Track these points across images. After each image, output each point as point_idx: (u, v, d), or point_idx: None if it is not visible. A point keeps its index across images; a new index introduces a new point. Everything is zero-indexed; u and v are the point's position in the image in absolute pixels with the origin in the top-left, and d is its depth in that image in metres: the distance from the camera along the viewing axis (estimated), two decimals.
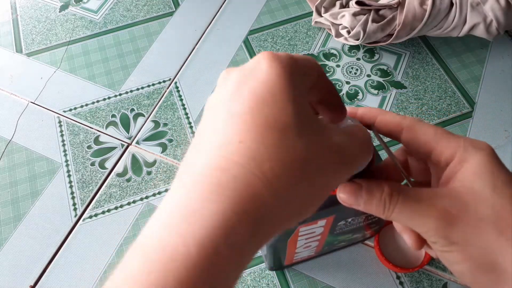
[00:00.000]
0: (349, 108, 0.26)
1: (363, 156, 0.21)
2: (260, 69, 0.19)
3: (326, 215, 0.35)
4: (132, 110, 0.65)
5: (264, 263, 0.52)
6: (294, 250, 0.43)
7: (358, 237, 0.49)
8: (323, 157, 0.18)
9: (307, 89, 0.20)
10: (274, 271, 0.52)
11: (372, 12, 0.63)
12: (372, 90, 0.64)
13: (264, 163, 0.17)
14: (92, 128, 0.63)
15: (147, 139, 0.62)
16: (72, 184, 0.59)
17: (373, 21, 0.63)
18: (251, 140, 0.17)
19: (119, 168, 0.60)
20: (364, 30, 0.63)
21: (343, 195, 0.24)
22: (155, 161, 0.60)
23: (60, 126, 0.64)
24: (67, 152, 0.61)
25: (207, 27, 0.72)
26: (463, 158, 0.23)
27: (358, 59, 0.67)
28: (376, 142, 0.61)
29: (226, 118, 0.18)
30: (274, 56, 0.19)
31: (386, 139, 0.27)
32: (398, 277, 0.50)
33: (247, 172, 0.17)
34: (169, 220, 0.16)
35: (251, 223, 0.16)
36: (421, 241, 0.24)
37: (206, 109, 0.20)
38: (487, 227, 0.21)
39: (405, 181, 0.27)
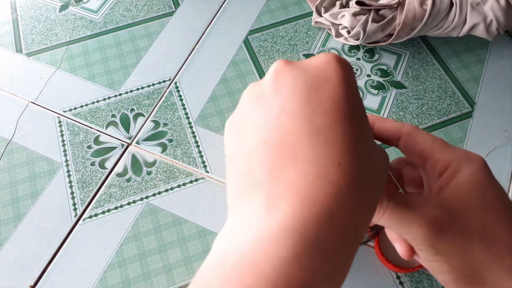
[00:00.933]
0: None
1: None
2: (332, 76, 0.18)
3: None
4: (132, 110, 0.65)
5: None
6: None
7: None
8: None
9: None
10: None
11: (372, 12, 0.63)
12: (372, 90, 0.64)
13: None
14: (92, 128, 0.63)
15: (147, 139, 0.62)
16: (72, 184, 0.59)
17: (373, 21, 0.63)
18: (351, 166, 0.17)
19: (119, 168, 0.60)
20: (364, 30, 0.63)
21: None
22: (155, 161, 0.60)
23: (60, 126, 0.64)
24: (67, 152, 0.61)
25: (207, 27, 0.72)
26: (457, 169, 0.23)
27: (358, 59, 0.67)
28: None
29: (311, 135, 0.17)
30: (341, 60, 0.19)
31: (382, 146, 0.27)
32: (398, 277, 0.50)
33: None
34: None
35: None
36: (411, 251, 0.24)
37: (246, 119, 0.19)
38: (474, 240, 0.21)
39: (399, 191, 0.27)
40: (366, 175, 0.18)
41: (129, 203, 0.57)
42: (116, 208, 0.57)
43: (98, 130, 0.63)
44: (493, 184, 0.23)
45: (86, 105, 0.66)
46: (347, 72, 0.19)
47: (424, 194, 0.25)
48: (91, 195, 0.58)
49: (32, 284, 0.52)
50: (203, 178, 0.58)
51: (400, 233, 0.23)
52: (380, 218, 0.22)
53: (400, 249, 0.24)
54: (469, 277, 0.21)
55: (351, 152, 0.17)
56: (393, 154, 0.58)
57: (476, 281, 0.21)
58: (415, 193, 0.25)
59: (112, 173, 0.59)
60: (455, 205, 0.22)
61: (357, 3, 0.63)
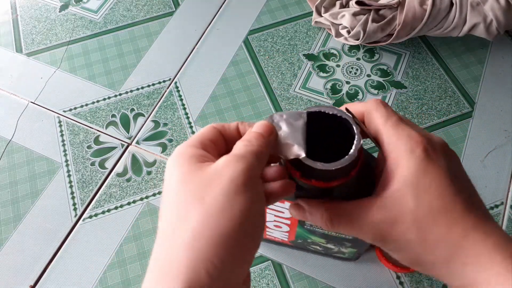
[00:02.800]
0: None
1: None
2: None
3: (291, 198, 0.33)
4: (132, 110, 0.65)
5: (263, 264, 0.52)
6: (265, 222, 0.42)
7: (335, 251, 0.47)
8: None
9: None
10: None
11: (372, 12, 0.63)
12: (372, 90, 0.64)
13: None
14: (92, 128, 0.63)
15: (147, 139, 0.62)
16: (72, 184, 0.59)
17: (373, 21, 0.63)
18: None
19: (119, 168, 0.60)
20: (364, 30, 0.63)
21: (292, 213, 0.29)
22: (155, 161, 0.60)
23: (60, 126, 0.64)
24: (67, 152, 0.61)
25: (207, 27, 0.73)
26: (397, 162, 0.25)
27: (358, 59, 0.67)
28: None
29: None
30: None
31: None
32: (398, 277, 0.50)
33: None
34: None
35: None
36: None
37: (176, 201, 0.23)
38: (412, 237, 0.23)
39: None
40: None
41: (129, 203, 0.57)
42: (116, 208, 0.57)
43: (98, 130, 0.63)
44: (428, 175, 0.24)
45: (86, 105, 0.66)
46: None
47: (367, 200, 0.26)
48: (91, 195, 0.58)
49: (32, 284, 0.52)
50: None
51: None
52: (335, 231, 0.26)
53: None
54: (418, 262, 0.25)
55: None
56: None
57: (422, 264, 0.24)
58: (359, 201, 0.26)
59: (112, 173, 0.59)
60: (394, 206, 0.24)
61: (357, 3, 0.63)
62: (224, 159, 0.23)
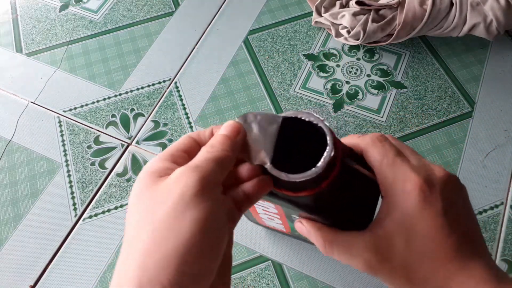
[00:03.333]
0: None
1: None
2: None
3: (269, 200, 0.32)
4: (132, 110, 0.65)
5: (263, 264, 0.52)
6: (257, 213, 0.41)
7: None
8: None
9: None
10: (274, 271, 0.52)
11: (372, 12, 0.63)
12: (372, 90, 0.64)
13: None
14: (92, 128, 0.63)
15: (147, 139, 0.62)
16: (72, 184, 0.59)
17: (373, 21, 0.63)
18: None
19: (119, 168, 0.60)
20: (364, 30, 0.63)
21: (297, 228, 0.30)
22: None
23: (60, 126, 0.64)
24: (67, 152, 0.61)
25: (207, 27, 0.72)
26: (393, 203, 0.25)
27: (358, 59, 0.67)
28: None
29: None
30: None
31: None
32: None
33: None
34: None
35: None
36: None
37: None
38: (399, 275, 0.25)
39: None
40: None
41: None
42: (116, 208, 0.57)
43: (98, 130, 0.63)
44: (422, 220, 0.25)
45: (86, 105, 0.66)
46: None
47: (362, 233, 0.27)
48: (91, 195, 0.58)
49: (32, 284, 0.52)
50: None
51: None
52: (331, 256, 0.27)
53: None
54: None
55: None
56: None
57: None
58: (353, 233, 0.27)
59: (112, 173, 0.59)
60: (385, 245, 0.25)
61: (357, 3, 0.63)
62: (178, 171, 0.22)
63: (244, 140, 0.25)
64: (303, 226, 0.29)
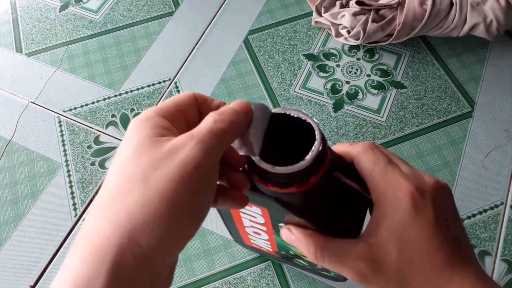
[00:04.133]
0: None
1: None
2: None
3: (257, 203, 0.32)
4: (132, 110, 0.65)
5: (263, 264, 0.52)
6: (244, 228, 0.41)
7: (319, 267, 0.45)
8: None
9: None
10: (273, 271, 0.52)
11: (372, 12, 0.63)
12: (372, 90, 0.64)
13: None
14: (92, 128, 0.63)
15: None
16: (72, 184, 0.59)
17: (373, 21, 0.63)
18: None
19: None
20: (364, 30, 0.63)
21: (283, 235, 0.29)
22: None
23: (60, 126, 0.64)
24: (67, 152, 0.61)
25: (207, 27, 0.72)
26: (383, 212, 0.25)
27: (358, 59, 0.67)
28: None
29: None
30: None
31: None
32: None
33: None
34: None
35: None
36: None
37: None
38: (391, 285, 0.25)
39: None
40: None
41: None
42: None
43: (98, 130, 0.63)
44: (414, 229, 0.25)
45: (86, 105, 0.66)
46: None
47: (354, 242, 0.26)
48: (91, 195, 0.58)
49: (32, 284, 0.52)
50: None
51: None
52: (321, 265, 0.26)
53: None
54: None
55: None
56: None
57: None
58: (346, 240, 0.27)
59: None
60: (379, 254, 0.25)
61: (357, 3, 0.63)
62: (181, 139, 0.21)
63: (249, 124, 0.24)
64: (291, 234, 0.28)
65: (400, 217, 0.24)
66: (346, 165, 0.28)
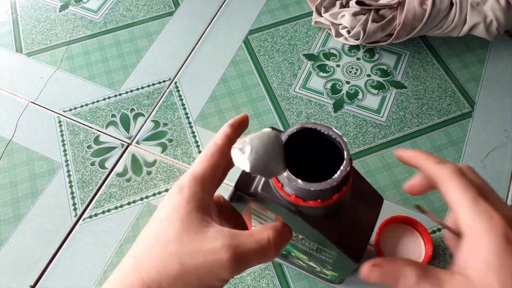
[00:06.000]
0: (398, 150, 0.28)
1: (228, 260, 0.24)
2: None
3: (273, 209, 0.33)
4: (132, 110, 0.65)
5: (263, 263, 0.52)
6: (251, 228, 0.41)
7: (318, 270, 0.46)
8: (196, 260, 0.24)
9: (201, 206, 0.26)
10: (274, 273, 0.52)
11: (372, 12, 0.63)
12: (372, 90, 0.64)
13: (143, 270, 0.24)
14: (92, 128, 0.63)
15: (147, 139, 0.62)
16: (72, 184, 0.59)
17: (373, 21, 0.63)
18: (141, 254, 0.25)
19: (119, 168, 0.60)
20: (364, 30, 0.63)
21: (373, 275, 0.27)
22: (155, 161, 0.60)
23: (60, 126, 0.64)
24: (67, 152, 0.61)
25: (207, 27, 0.72)
26: (477, 241, 0.25)
27: (358, 59, 0.67)
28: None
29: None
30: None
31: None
32: None
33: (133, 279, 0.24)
34: None
35: None
36: None
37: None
38: None
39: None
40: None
41: (129, 203, 0.57)
42: (116, 208, 0.57)
43: (98, 130, 0.63)
44: (511, 258, 0.24)
45: (86, 105, 0.66)
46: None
47: (451, 270, 0.26)
48: (91, 195, 0.58)
49: (32, 284, 0.52)
50: None
51: None
52: None
53: None
54: None
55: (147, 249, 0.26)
56: None
57: None
58: (441, 271, 0.26)
59: (112, 173, 0.59)
60: (477, 283, 0.24)
61: (357, 3, 0.63)
62: (221, 241, 0.25)
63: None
64: (379, 268, 0.26)
65: (496, 246, 0.24)
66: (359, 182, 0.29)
